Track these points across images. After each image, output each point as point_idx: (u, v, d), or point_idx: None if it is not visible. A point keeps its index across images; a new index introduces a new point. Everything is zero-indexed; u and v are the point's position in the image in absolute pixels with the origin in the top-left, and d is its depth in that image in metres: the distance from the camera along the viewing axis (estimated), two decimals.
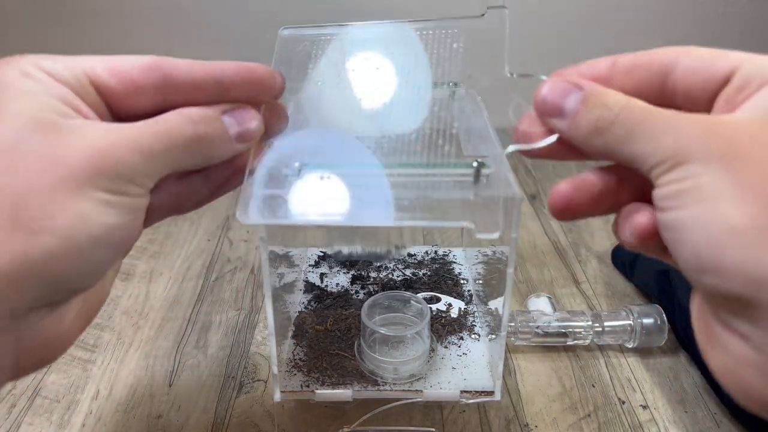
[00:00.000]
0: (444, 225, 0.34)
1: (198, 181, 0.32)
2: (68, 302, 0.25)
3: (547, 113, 0.25)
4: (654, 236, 0.23)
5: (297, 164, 0.31)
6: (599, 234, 0.64)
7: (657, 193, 0.23)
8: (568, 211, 0.26)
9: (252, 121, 0.30)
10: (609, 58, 0.26)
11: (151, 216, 0.29)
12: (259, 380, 0.45)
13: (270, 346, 0.34)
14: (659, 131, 0.22)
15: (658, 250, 0.24)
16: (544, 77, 0.26)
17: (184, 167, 0.28)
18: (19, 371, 0.25)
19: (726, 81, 0.23)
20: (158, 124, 0.26)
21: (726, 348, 0.22)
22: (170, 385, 0.45)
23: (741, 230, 0.20)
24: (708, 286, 0.22)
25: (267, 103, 0.32)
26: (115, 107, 0.28)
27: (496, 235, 0.29)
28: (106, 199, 0.24)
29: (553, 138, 0.25)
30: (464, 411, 0.43)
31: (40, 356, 0.25)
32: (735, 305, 0.21)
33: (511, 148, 0.27)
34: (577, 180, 0.26)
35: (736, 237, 0.20)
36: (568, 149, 0.26)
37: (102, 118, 0.27)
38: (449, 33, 0.35)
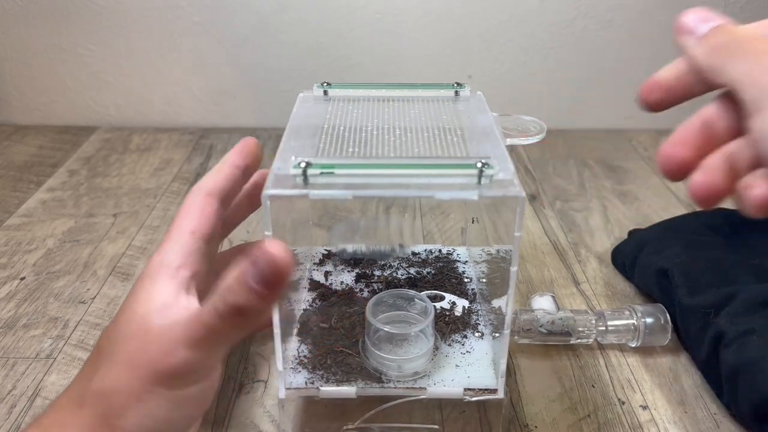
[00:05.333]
0: None
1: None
2: None
3: (684, 31, 0.28)
4: None
5: (302, 164, 0.31)
6: (599, 234, 0.64)
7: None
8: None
9: (277, 254, 0.27)
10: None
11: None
12: (259, 381, 0.45)
13: (275, 344, 0.34)
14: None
15: None
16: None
17: (237, 340, 0.31)
18: None
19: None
20: (201, 313, 0.29)
21: None
22: None
23: None
24: None
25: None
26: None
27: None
28: (172, 394, 0.29)
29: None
30: (464, 411, 0.43)
31: None
32: None
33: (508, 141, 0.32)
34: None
35: None
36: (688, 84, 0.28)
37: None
38: None
